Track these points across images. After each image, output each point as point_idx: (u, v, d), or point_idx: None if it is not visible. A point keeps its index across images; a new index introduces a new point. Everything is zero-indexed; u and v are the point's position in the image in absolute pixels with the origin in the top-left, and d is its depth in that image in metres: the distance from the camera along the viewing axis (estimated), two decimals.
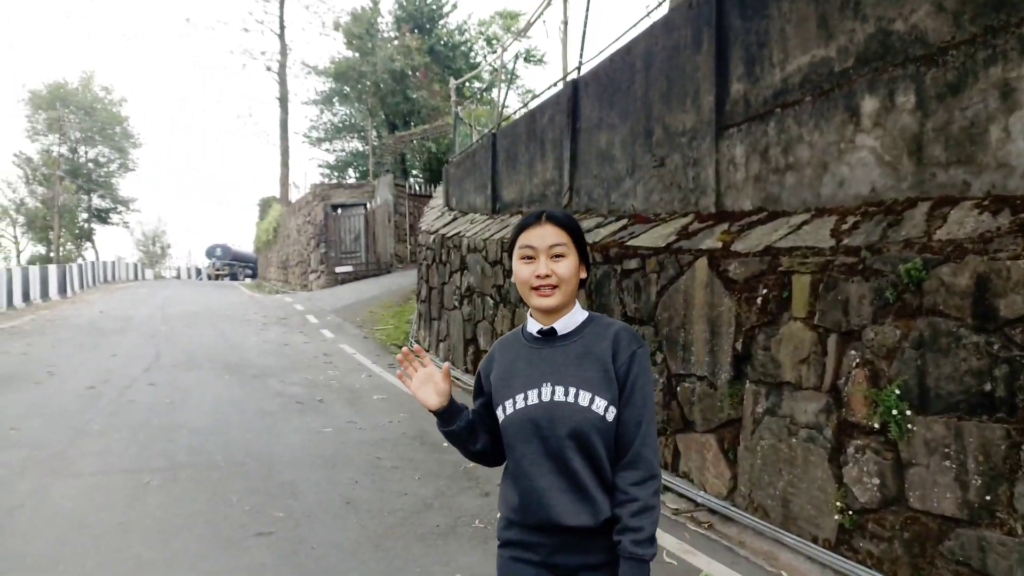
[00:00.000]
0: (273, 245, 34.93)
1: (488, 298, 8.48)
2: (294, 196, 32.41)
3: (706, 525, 4.35)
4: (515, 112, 12.66)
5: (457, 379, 8.96)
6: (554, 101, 8.12)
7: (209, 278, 45.87)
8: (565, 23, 8.39)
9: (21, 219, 46.45)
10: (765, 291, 4.09)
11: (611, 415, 1.60)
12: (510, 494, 1.69)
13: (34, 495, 4.84)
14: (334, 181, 31.77)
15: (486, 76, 25.93)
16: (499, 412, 1.69)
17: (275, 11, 34.50)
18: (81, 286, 27.21)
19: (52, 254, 42.38)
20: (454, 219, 11.77)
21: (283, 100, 34.40)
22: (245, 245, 48.54)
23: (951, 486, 3.02)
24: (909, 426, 3.18)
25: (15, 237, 47.47)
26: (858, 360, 3.47)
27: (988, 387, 2.89)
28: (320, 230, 24.72)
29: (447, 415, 1.74)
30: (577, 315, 1.71)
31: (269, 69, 35.14)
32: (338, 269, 23.93)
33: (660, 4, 6.37)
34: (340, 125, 34.82)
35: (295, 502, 4.77)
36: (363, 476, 5.34)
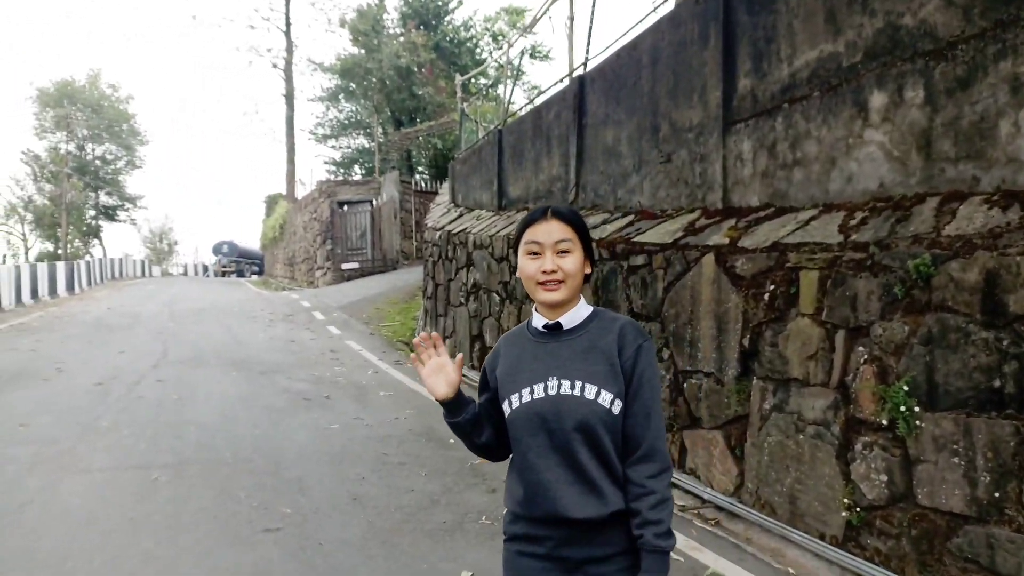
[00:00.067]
0: (279, 242, 35.03)
1: (494, 294, 8.48)
2: (300, 193, 32.52)
3: (713, 522, 4.34)
4: (521, 108, 12.64)
5: (463, 375, 8.96)
6: (560, 97, 8.10)
7: (216, 275, 46.00)
8: (571, 19, 8.38)
9: (29, 216, 46.71)
10: (772, 287, 4.07)
11: (617, 408, 1.61)
12: (516, 487, 1.70)
13: (43, 491, 4.87)
14: (340, 178, 31.81)
15: (492, 72, 25.92)
16: (505, 406, 1.70)
17: (281, 8, 34.53)
18: (89, 283, 27.34)
19: (60, 251, 42.60)
20: (460, 215, 11.77)
21: (289, 97, 34.47)
22: (252, 242, 48.68)
23: (959, 483, 3.01)
24: (917, 422, 3.17)
25: (23, 234, 47.76)
26: (866, 356, 3.46)
27: (997, 383, 2.88)
28: (326, 227, 24.77)
29: (453, 406, 1.75)
30: (582, 310, 1.72)
31: (275, 66, 35.18)
32: (344, 266, 23.98)
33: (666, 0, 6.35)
34: (346, 122, 34.85)
35: (302, 498, 4.78)
36: (370, 472, 5.35)
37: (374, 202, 24.69)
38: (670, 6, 6.05)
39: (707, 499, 4.52)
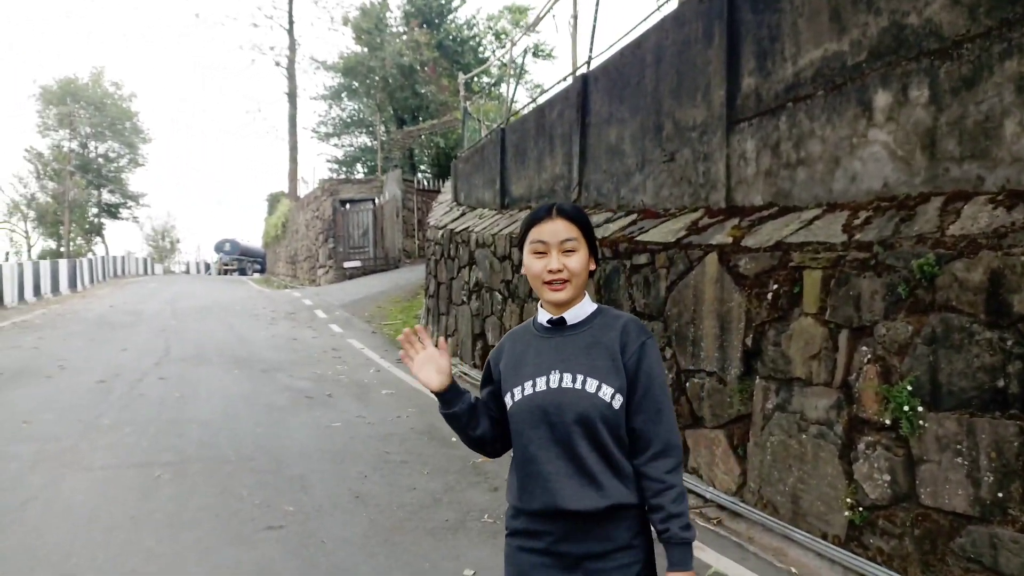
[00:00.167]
0: (282, 240, 35.05)
1: (496, 293, 8.48)
2: (303, 191, 32.53)
3: (715, 521, 4.34)
4: (524, 107, 12.63)
5: (465, 374, 8.97)
6: (563, 96, 8.09)
7: (218, 273, 46.04)
8: (575, 17, 8.36)
9: (32, 214, 46.83)
10: (776, 286, 4.07)
11: (617, 403, 1.63)
12: (517, 480, 1.72)
13: (46, 488, 4.87)
14: (342, 176, 31.82)
15: (495, 71, 25.89)
16: (507, 399, 1.72)
17: (284, 6, 34.57)
18: (91, 281, 27.39)
19: (62, 249, 42.71)
20: (462, 214, 11.77)
21: (292, 95, 34.49)
22: (254, 240, 48.71)
23: (963, 483, 3.00)
24: (921, 422, 3.16)
25: (26, 232, 47.88)
26: (869, 356, 3.45)
27: (1001, 383, 2.87)
28: (328, 225, 24.78)
29: (449, 395, 1.76)
30: (587, 306, 1.73)
31: (278, 64, 35.30)
32: (346, 264, 23.99)
33: None
34: (348, 120, 34.84)
35: (305, 496, 4.79)
36: (372, 471, 5.36)
37: (376, 200, 24.70)
38: (674, 5, 6.04)
39: (709, 498, 4.52)
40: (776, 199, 4.60)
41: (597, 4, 7.59)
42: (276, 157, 64.83)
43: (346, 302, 17.60)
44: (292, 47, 34.38)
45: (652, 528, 1.65)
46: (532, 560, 1.67)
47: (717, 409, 4.53)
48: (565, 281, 1.67)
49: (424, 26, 28.35)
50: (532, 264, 1.71)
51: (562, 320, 1.72)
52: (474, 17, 31.82)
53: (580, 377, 1.63)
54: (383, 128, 29.59)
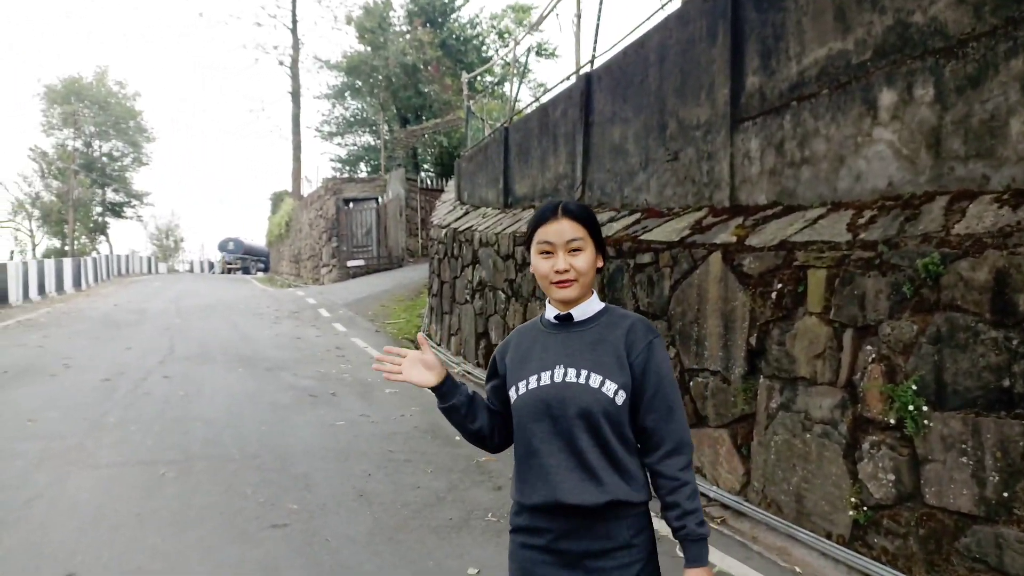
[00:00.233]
0: (285, 239, 35.08)
1: (500, 292, 8.48)
2: (306, 190, 32.56)
3: (719, 520, 4.34)
4: (527, 106, 12.63)
5: (468, 373, 8.98)
6: (567, 95, 8.09)
7: (221, 272, 46.11)
8: (578, 16, 8.35)
9: (36, 213, 46.92)
10: (780, 286, 4.06)
11: (620, 399, 1.64)
12: (519, 473, 1.73)
13: (51, 486, 4.89)
14: (346, 175, 31.84)
15: (498, 70, 25.88)
16: (512, 393, 1.73)
17: (287, 5, 34.69)
18: (95, 279, 27.46)
19: (67, 248, 42.81)
20: (466, 213, 11.78)
21: (295, 95, 34.53)
22: (257, 239, 48.77)
23: (968, 482, 2.99)
24: (925, 422, 3.16)
25: (31, 231, 47.97)
26: (874, 355, 3.45)
27: (1007, 383, 2.87)
28: (332, 224, 24.80)
29: (444, 388, 1.77)
30: (594, 304, 1.75)
31: (281, 64, 35.32)
32: (350, 263, 24.00)
33: None
34: (352, 119, 34.85)
35: (309, 494, 4.79)
36: (376, 469, 5.36)
37: (380, 199, 24.71)
38: (678, 3, 6.03)
39: (713, 497, 4.52)
40: (780, 198, 4.59)
41: (600, 3, 7.59)
42: (279, 156, 64.99)
43: (349, 301, 17.62)
44: (296, 46, 34.44)
45: (667, 525, 1.66)
46: (534, 557, 1.68)
47: (721, 408, 4.52)
48: (572, 280, 1.68)
49: (427, 25, 28.35)
50: (539, 264, 1.72)
51: (569, 316, 1.73)
52: (477, 16, 31.88)
53: (584, 372, 1.65)
54: (386, 127, 29.59)
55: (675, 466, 1.65)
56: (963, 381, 3.03)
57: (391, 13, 29.79)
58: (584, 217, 1.71)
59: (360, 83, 30.82)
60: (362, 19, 28.82)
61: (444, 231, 11.65)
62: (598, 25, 7.74)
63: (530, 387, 1.69)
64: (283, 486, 4.96)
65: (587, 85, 7.44)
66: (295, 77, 34.42)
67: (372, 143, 33.78)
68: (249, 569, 3.71)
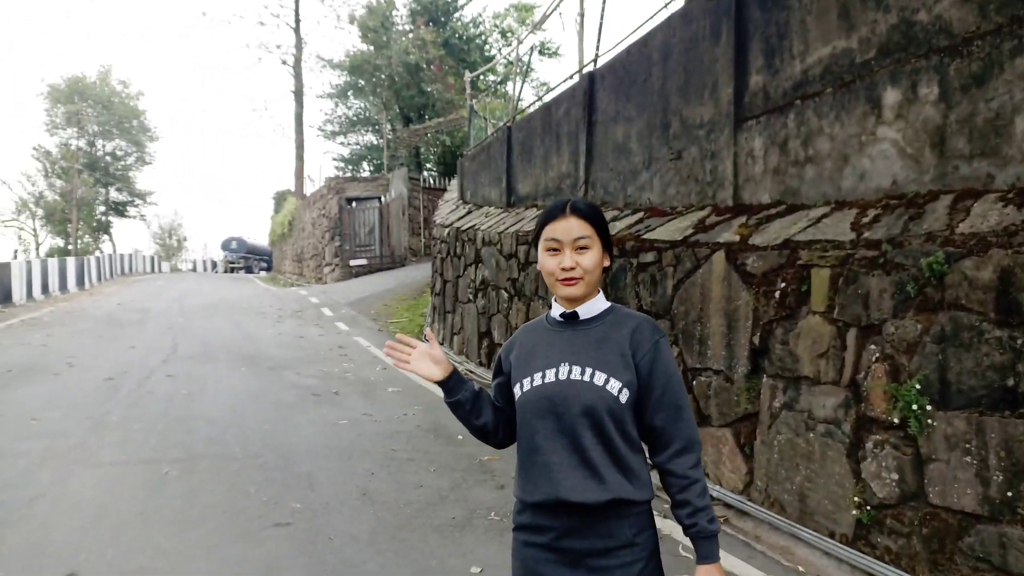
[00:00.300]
0: (288, 238, 35.11)
1: (503, 291, 8.48)
2: (309, 189, 32.58)
3: (722, 520, 4.33)
4: (530, 105, 12.63)
5: (471, 372, 8.98)
6: (570, 94, 8.08)
7: (224, 271, 46.16)
8: (581, 15, 8.34)
9: (40, 212, 47.02)
10: (783, 285, 4.06)
11: (624, 397, 1.64)
12: (522, 470, 1.73)
13: (55, 485, 4.90)
14: (348, 175, 31.86)
15: (501, 69, 25.86)
16: (516, 390, 1.74)
17: (290, 4, 34.61)
18: (99, 278, 27.51)
19: (70, 247, 42.90)
20: (468, 212, 11.77)
21: (298, 94, 34.55)
22: (260, 238, 48.83)
23: (972, 482, 2.99)
24: (929, 421, 3.15)
25: (34, 230, 48.10)
26: (878, 355, 3.44)
27: (1011, 382, 2.86)
28: (335, 223, 24.81)
29: (451, 383, 1.80)
30: (600, 302, 1.75)
31: (284, 63, 35.26)
32: (352, 262, 24.02)
33: None
34: (355, 119, 34.87)
35: (312, 493, 4.80)
36: (379, 468, 5.37)
37: (382, 199, 24.72)
38: (681, 2, 6.02)
39: (716, 496, 4.51)
40: (784, 197, 4.58)
41: (604, 2, 7.57)
42: (282, 155, 65.04)
43: (352, 300, 17.63)
44: (299, 45, 34.44)
45: (678, 523, 1.67)
46: (536, 555, 1.68)
47: (724, 408, 4.52)
48: (579, 278, 1.69)
49: (430, 24, 28.34)
50: (546, 262, 1.73)
51: (575, 314, 1.74)
52: (480, 15, 31.91)
53: (589, 370, 1.65)
54: (389, 126, 29.60)
55: (685, 464, 1.66)
56: (967, 380, 3.02)
57: (394, 12, 29.79)
58: (592, 216, 1.72)
59: (363, 82, 30.83)
60: (365, 18, 28.83)
61: (447, 230, 11.65)
62: (601, 24, 7.73)
63: (534, 384, 1.69)
64: (286, 485, 4.96)
65: (590, 84, 7.43)
66: (298, 76, 34.44)
67: (375, 142, 33.81)
68: (252, 568, 3.71)
